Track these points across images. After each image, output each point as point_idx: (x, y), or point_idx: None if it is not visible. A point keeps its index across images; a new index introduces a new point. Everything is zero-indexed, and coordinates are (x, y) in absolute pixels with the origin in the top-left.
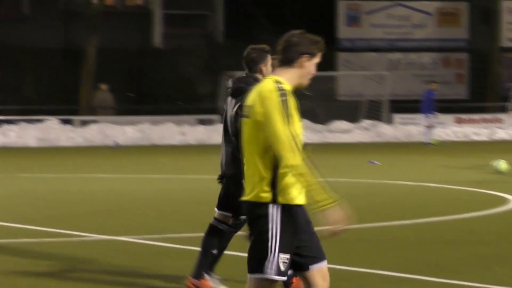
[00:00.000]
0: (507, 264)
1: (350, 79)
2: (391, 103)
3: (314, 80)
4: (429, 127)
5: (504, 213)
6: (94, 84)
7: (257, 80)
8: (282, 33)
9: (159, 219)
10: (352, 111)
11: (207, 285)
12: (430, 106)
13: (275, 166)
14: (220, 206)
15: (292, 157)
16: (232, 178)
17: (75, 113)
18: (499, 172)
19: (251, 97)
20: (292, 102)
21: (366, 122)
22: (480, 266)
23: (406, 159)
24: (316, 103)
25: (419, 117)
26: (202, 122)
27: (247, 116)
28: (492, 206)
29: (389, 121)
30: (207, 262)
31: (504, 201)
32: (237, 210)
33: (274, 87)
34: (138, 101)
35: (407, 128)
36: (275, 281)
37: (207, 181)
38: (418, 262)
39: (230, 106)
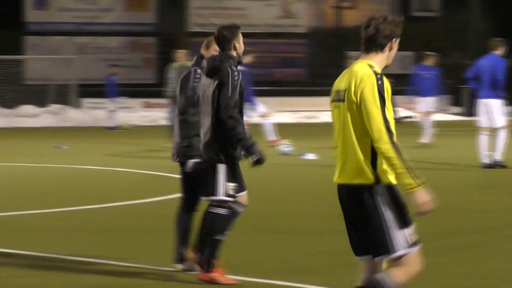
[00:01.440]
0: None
1: (38, 63)
2: (79, 87)
3: (0, 64)
4: (112, 111)
5: None
6: None
7: (232, 58)
8: None
9: None
10: (40, 96)
11: (221, 274)
12: (114, 90)
13: (374, 147)
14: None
15: (382, 140)
16: (208, 161)
17: None
18: None
19: (345, 81)
20: (387, 86)
21: (54, 107)
22: (168, 250)
23: (94, 144)
24: (2, 87)
25: (106, 102)
26: None
27: (341, 100)
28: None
29: (77, 105)
30: (217, 249)
31: None
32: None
33: (371, 71)
34: None
35: (95, 112)
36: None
37: None
38: (107, 246)
39: (208, 85)
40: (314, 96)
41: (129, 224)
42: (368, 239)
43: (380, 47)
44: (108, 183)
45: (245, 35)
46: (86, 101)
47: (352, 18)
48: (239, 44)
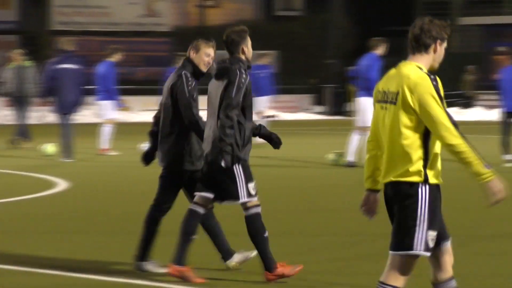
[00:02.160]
0: (44, 246)
1: None
2: None
3: None
4: None
5: (51, 196)
6: None
7: (241, 61)
8: None
9: None
10: None
11: (189, 271)
12: None
13: (423, 147)
14: (203, 188)
15: (452, 137)
16: (214, 161)
17: None
18: (46, 155)
19: (395, 84)
20: (440, 87)
21: None
22: (26, 249)
23: None
24: None
25: None
26: None
27: (390, 102)
28: (40, 189)
29: None
30: (188, 247)
31: (52, 184)
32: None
33: (423, 74)
34: None
35: None
36: (418, 256)
37: None
38: None
39: (217, 87)
40: None
41: None
42: (397, 233)
43: (424, 48)
44: None
45: (108, 33)
46: None
47: (216, 17)
48: (248, 48)
